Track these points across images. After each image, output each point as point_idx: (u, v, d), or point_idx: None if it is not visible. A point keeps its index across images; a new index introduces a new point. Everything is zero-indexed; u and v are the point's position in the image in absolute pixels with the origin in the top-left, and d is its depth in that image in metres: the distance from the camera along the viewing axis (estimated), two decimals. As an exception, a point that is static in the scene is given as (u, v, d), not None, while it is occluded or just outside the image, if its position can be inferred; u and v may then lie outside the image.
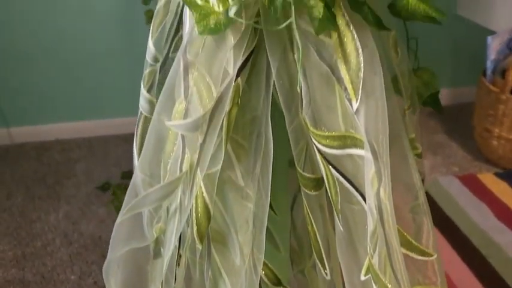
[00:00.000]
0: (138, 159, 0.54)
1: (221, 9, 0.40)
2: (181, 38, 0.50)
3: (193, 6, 0.41)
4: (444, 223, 1.41)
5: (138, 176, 0.50)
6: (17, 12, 1.66)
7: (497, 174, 1.59)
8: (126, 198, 0.50)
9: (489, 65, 1.57)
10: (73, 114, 1.90)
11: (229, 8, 0.40)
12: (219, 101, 0.45)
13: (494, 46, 1.53)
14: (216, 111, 0.45)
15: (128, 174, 1.61)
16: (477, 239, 1.33)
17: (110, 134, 1.92)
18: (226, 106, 0.45)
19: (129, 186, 0.51)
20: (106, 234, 1.41)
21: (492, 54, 1.55)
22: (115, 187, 1.52)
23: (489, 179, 1.56)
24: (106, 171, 1.72)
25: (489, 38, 1.52)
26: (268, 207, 0.51)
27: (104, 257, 0.54)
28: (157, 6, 0.49)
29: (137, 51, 1.78)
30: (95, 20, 1.70)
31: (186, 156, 0.47)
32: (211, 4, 0.41)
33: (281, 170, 0.59)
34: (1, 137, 1.88)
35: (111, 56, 1.77)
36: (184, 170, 0.47)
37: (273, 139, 0.50)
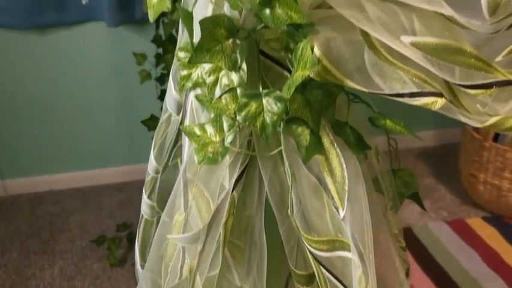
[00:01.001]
0: (139, 256, 0.58)
1: (218, 139, 0.45)
2: (180, 147, 0.55)
3: (192, 137, 0.45)
4: (434, 270, 1.44)
5: (145, 276, 0.54)
6: (11, 66, 1.71)
7: (485, 219, 1.63)
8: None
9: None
10: (67, 164, 1.93)
11: (226, 137, 0.45)
12: (217, 213, 0.49)
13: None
14: (213, 222, 0.49)
15: (123, 227, 1.63)
16: (468, 287, 1.37)
17: (103, 184, 1.95)
18: (223, 217, 0.49)
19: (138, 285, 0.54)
20: (101, 292, 1.42)
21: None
22: (110, 241, 1.53)
23: (477, 224, 1.61)
24: (100, 223, 1.73)
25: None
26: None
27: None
28: (161, 120, 0.54)
29: (130, 106, 1.83)
30: (90, 76, 1.75)
31: (186, 261, 0.51)
32: (208, 134, 0.45)
33: (274, 256, 0.63)
34: (-5, 189, 1.90)
35: (105, 110, 1.82)
36: (184, 275, 0.50)
37: (266, 233, 0.54)
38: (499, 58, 0.52)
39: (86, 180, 1.95)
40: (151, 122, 1.48)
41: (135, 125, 1.64)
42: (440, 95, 0.42)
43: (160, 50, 1.45)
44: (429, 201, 1.76)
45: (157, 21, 1.42)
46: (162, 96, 1.50)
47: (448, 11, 0.39)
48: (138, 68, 1.48)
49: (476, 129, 1.62)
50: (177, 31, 1.27)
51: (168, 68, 1.45)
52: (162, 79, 1.48)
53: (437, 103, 0.41)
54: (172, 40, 1.37)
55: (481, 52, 0.44)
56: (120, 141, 1.90)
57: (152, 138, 1.52)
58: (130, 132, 1.86)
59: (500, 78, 0.42)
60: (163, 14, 1.38)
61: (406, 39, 0.40)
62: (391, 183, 0.56)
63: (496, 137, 1.63)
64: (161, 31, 1.43)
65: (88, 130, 1.86)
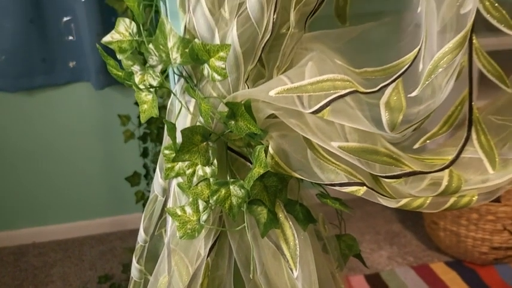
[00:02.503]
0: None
1: (195, 218, 0.58)
2: (164, 220, 0.67)
3: (175, 216, 0.58)
4: (402, 314, 1.56)
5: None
6: None
7: (447, 263, 1.77)
8: None
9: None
10: (50, 217, 2.01)
11: (201, 216, 0.58)
12: (194, 276, 0.61)
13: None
14: (192, 284, 0.61)
15: (104, 279, 1.71)
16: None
17: (85, 235, 2.03)
18: (200, 279, 0.61)
19: None
20: None
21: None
22: (92, 293, 1.61)
23: (440, 269, 1.75)
24: (82, 275, 1.81)
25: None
26: None
27: None
28: (149, 199, 0.67)
29: (113, 162, 1.94)
30: (76, 134, 1.87)
31: (169, 316, 0.62)
32: (187, 214, 0.58)
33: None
34: (-22, 243, 1.96)
35: (89, 165, 1.93)
36: (168, 328, 0.62)
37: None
38: (416, 145, 0.67)
39: (68, 232, 2.03)
40: (134, 179, 1.59)
41: (118, 178, 1.76)
42: (362, 184, 0.56)
43: (143, 112, 1.59)
44: (396, 247, 1.89)
45: (140, 86, 1.56)
46: (144, 153, 1.63)
47: (368, 128, 0.54)
48: (122, 127, 1.61)
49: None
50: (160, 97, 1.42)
51: (150, 128, 1.58)
52: (145, 138, 1.61)
53: (360, 191, 0.55)
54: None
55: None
56: (102, 194, 2.01)
57: (133, 192, 1.62)
58: (113, 185, 1.96)
59: (407, 170, 0.57)
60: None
61: (335, 144, 0.55)
62: (336, 246, 0.69)
63: None
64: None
65: (71, 184, 1.96)
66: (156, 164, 1.61)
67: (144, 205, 1.60)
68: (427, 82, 0.52)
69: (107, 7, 1.65)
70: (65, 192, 1.97)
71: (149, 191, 1.59)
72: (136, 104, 1.59)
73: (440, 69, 0.51)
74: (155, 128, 1.48)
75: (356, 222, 2.05)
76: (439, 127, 0.68)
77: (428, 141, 0.68)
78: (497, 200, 1.66)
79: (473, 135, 0.64)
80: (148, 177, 1.67)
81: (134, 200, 1.61)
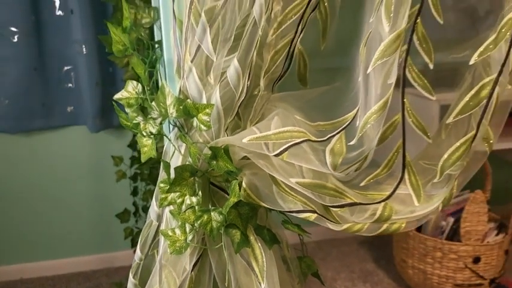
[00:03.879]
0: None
1: (182, 238, 0.74)
2: (157, 242, 0.83)
3: (167, 236, 0.74)
4: None
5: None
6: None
7: (415, 300, 1.92)
8: None
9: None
10: (38, 254, 2.11)
11: (187, 236, 0.74)
12: (180, 287, 0.76)
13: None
14: (178, 294, 0.76)
15: (91, 313, 1.81)
16: None
17: (72, 272, 2.13)
18: (185, 290, 0.77)
19: None
20: None
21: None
22: (79, 326, 1.70)
23: (409, 305, 1.88)
24: (69, 311, 1.90)
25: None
26: None
27: None
28: (147, 221, 0.82)
29: (104, 200, 2.08)
30: (69, 172, 2.02)
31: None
32: (177, 235, 0.74)
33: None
34: (-33, 278, 2.04)
35: (79, 202, 2.07)
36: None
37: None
38: (363, 183, 0.85)
39: (56, 269, 2.12)
40: (125, 216, 1.74)
41: (107, 216, 1.89)
42: (314, 212, 0.73)
43: (135, 153, 1.76)
44: (369, 285, 2.03)
45: (133, 130, 1.74)
46: (134, 192, 1.78)
47: (319, 168, 0.72)
48: (114, 167, 1.77)
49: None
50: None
51: (141, 169, 1.74)
52: (135, 178, 1.77)
53: (312, 216, 0.72)
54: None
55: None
56: (91, 231, 2.13)
57: (123, 229, 1.76)
58: (101, 223, 2.09)
59: (349, 201, 0.74)
60: (139, 125, 1.70)
61: (293, 180, 0.72)
62: (297, 265, 0.85)
63: (420, 227, 1.96)
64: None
65: (60, 221, 2.08)
66: (145, 202, 1.76)
67: (132, 241, 1.74)
68: (360, 134, 0.71)
69: (105, 59, 1.86)
70: (54, 229, 2.09)
71: (138, 228, 1.74)
72: (129, 146, 1.76)
73: (369, 125, 0.70)
74: (147, 169, 1.64)
75: (332, 262, 2.19)
76: (381, 169, 0.86)
77: (372, 180, 0.86)
78: (459, 240, 1.83)
79: (406, 176, 0.82)
80: (137, 214, 1.81)
81: (123, 236, 1.74)
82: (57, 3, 1.85)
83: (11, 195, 2.01)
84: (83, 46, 1.81)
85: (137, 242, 0.84)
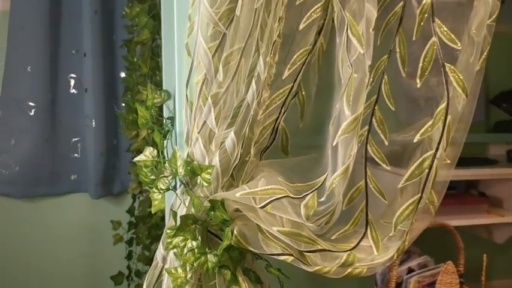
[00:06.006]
0: None
1: (183, 275, 0.91)
2: (160, 283, 1.00)
3: (170, 274, 0.91)
4: None
5: None
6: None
7: None
8: None
9: (378, 276, 2.13)
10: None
11: (187, 274, 0.91)
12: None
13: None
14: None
15: None
16: None
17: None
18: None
19: None
20: None
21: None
22: None
23: None
24: None
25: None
26: None
27: None
28: (154, 263, 0.99)
29: (99, 262, 2.19)
30: (68, 235, 2.16)
31: None
32: (179, 273, 0.92)
33: None
34: None
35: (73, 263, 2.18)
36: None
37: None
38: (333, 237, 1.04)
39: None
40: (119, 278, 1.87)
41: (101, 278, 2.01)
42: (291, 255, 0.92)
43: (133, 219, 1.93)
44: None
45: (134, 196, 1.93)
46: (129, 256, 1.92)
47: (296, 218, 0.92)
48: (112, 231, 1.92)
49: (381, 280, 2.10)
50: (149, 206, 1.77)
51: (136, 233, 1.90)
52: (131, 242, 1.92)
53: (289, 259, 0.91)
54: (142, 217, 1.86)
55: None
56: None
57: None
58: (97, 284, 2.19)
59: (320, 248, 0.93)
60: (139, 192, 1.90)
61: (275, 228, 0.92)
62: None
63: (399, 284, 2.09)
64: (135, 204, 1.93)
65: (55, 284, 2.18)
66: (139, 265, 1.90)
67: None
68: (328, 192, 0.92)
69: (111, 132, 2.09)
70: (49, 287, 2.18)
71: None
72: (127, 212, 1.94)
73: (334, 185, 0.91)
74: (146, 229, 1.80)
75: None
76: (348, 226, 1.06)
77: (341, 234, 1.06)
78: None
79: (368, 232, 1.02)
80: (130, 278, 1.93)
81: (115, 299, 1.85)
82: (72, 83, 2.12)
83: (6, 256, 2.12)
84: (93, 120, 2.04)
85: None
